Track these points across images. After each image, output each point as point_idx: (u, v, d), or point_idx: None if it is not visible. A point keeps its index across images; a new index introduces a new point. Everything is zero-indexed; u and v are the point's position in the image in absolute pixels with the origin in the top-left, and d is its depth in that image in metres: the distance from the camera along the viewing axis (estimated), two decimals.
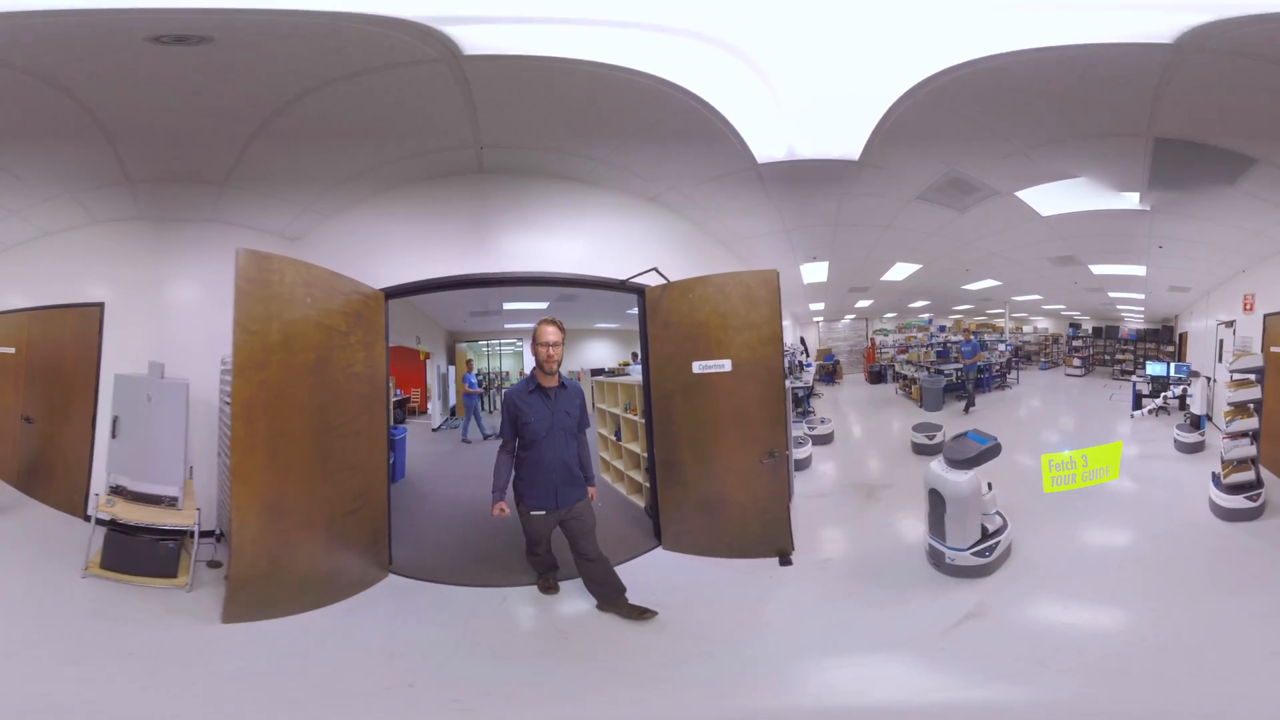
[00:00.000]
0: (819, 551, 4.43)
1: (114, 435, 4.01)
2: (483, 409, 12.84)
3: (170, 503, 3.93)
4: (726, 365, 4.29)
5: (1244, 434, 5.87)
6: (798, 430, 7.67)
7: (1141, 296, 10.31)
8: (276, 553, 3.38)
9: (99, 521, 4.06)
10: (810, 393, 10.77)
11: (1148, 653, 3.58)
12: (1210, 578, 4.64)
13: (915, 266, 9.39)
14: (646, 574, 4.10)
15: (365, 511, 3.99)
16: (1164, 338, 17.21)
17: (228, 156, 3.60)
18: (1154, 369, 9.91)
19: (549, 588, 4.00)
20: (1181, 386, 8.17)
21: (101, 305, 4.94)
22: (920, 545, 4.41)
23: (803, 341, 16.64)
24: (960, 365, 11.33)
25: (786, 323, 13.95)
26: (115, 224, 4.70)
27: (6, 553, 4.26)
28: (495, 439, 7.22)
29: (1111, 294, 10.12)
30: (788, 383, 9.71)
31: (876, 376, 14.73)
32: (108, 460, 4.15)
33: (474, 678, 2.99)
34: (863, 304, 15.05)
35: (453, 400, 12.65)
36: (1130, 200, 5.99)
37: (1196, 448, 7.58)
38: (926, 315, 13.25)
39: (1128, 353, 16.08)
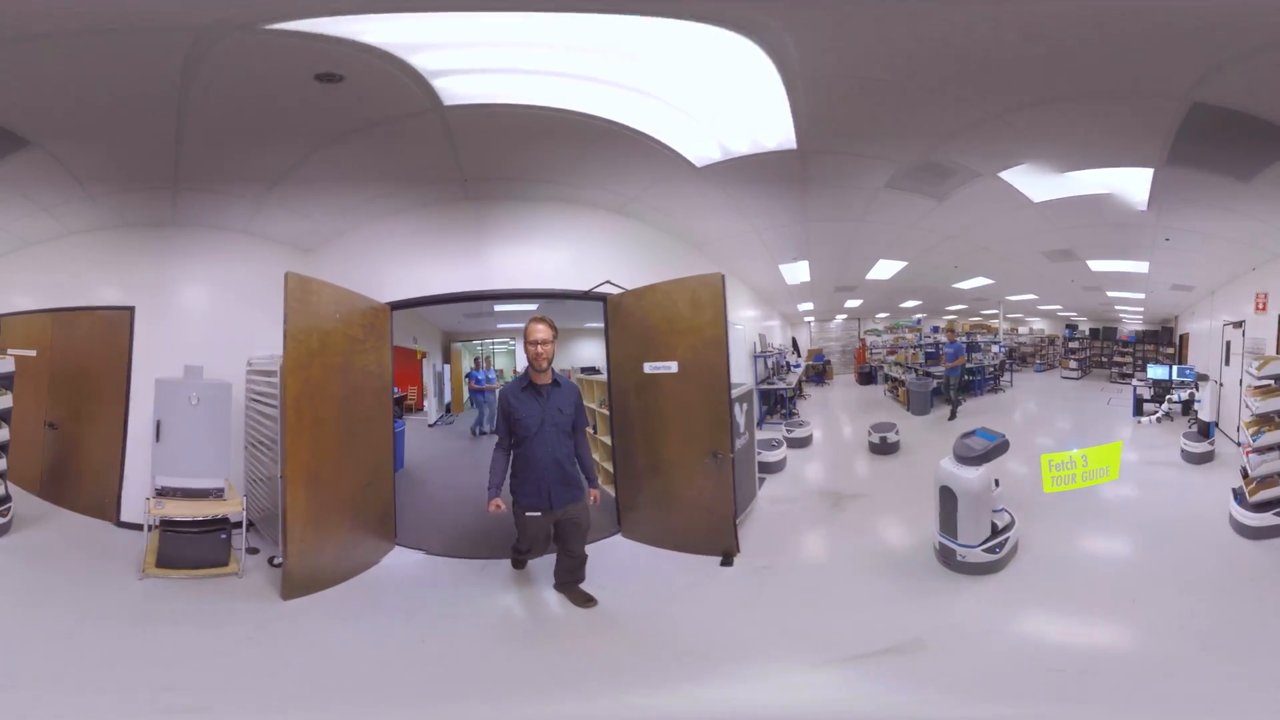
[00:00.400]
0: (762, 557, 4.29)
1: (157, 439, 4.09)
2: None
3: (217, 495, 4.16)
4: (673, 367, 4.31)
5: (1272, 448, 5.00)
6: (775, 433, 7.46)
7: (1142, 296, 9.54)
8: (318, 517, 3.86)
9: (151, 527, 4.21)
10: (795, 394, 10.28)
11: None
12: (1249, 603, 3.90)
13: (900, 264, 8.68)
14: (602, 556, 4.27)
15: (377, 487, 4.54)
16: (1164, 339, 16.41)
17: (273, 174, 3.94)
18: (1155, 372, 9.14)
19: (518, 564, 4.17)
20: (1188, 391, 7.41)
21: (132, 309, 4.85)
22: (874, 557, 4.28)
23: (794, 342, 16.17)
24: (964, 365, 10.62)
25: (775, 323, 13.04)
26: (145, 229, 4.71)
27: (52, 563, 4.17)
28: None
29: (1110, 293, 9.36)
30: (778, 382, 9.56)
31: (866, 378, 14.05)
32: (152, 464, 4.19)
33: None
34: (852, 303, 14.36)
35: (448, 397, 13.10)
36: (1140, 180, 5.15)
37: (1205, 458, 6.85)
38: (916, 316, 12.55)
39: (1126, 355, 15.31)
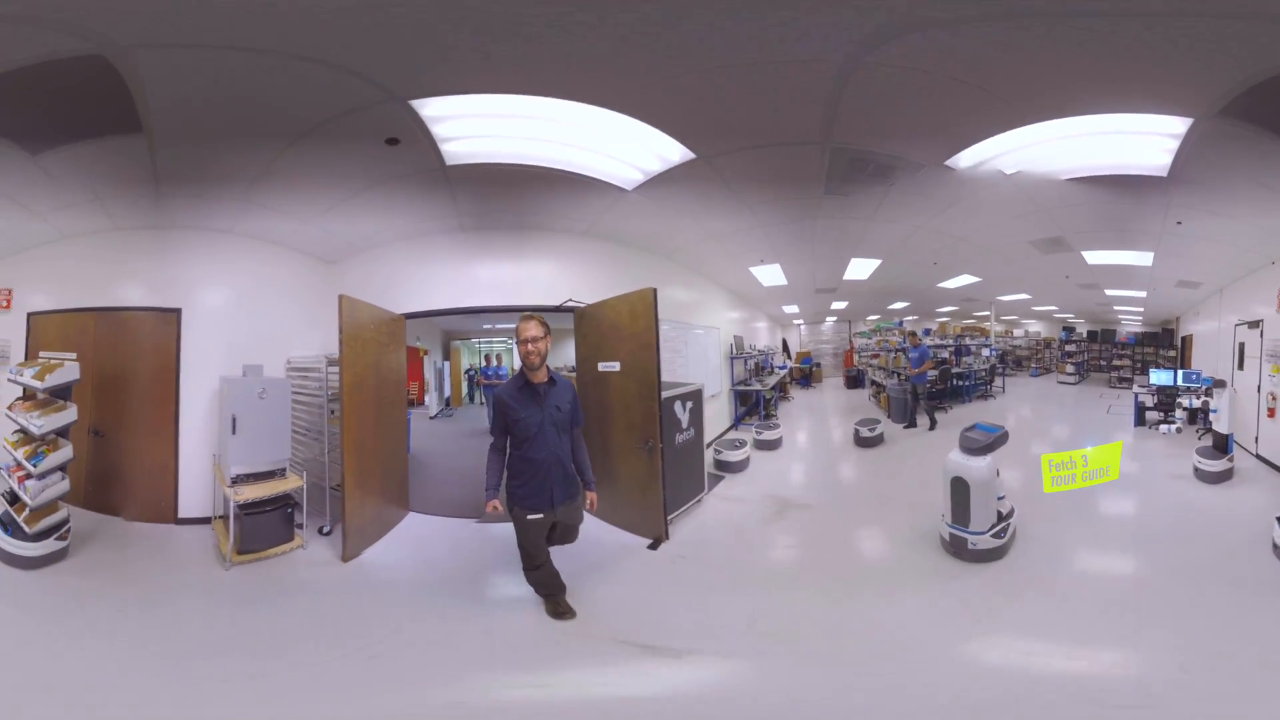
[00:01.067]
0: (687, 548, 4.31)
1: (234, 432, 4.26)
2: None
3: (281, 473, 4.50)
4: (617, 366, 4.63)
5: None
6: (746, 434, 7.26)
7: (1143, 294, 8.49)
8: (363, 481, 4.41)
9: (221, 517, 4.50)
10: (772, 395, 9.67)
11: None
12: None
13: (874, 262, 7.60)
14: None
15: (396, 460, 5.13)
16: (1164, 341, 15.26)
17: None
18: (1159, 378, 8.09)
19: (562, 612, 3.48)
20: (1200, 399, 6.34)
21: (179, 311, 4.78)
22: (783, 569, 4.11)
23: (784, 344, 15.30)
24: (930, 372, 9.59)
25: (762, 325, 12.56)
26: (194, 231, 4.75)
27: (132, 573, 3.99)
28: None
29: (1109, 291, 8.30)
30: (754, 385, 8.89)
31: (854, 381, 13.13)
32: (230, 455, 4.33)
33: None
34: (838, 305, 13.47)
35: (448, 392, 13.50)
36: (1156, 152, 3.98)
37: (1223, 476, 5.65)
38: (898, 319, 11.57)
39: (1125, 358, 14.17)
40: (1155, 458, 6.49)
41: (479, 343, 14.32)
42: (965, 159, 4.12)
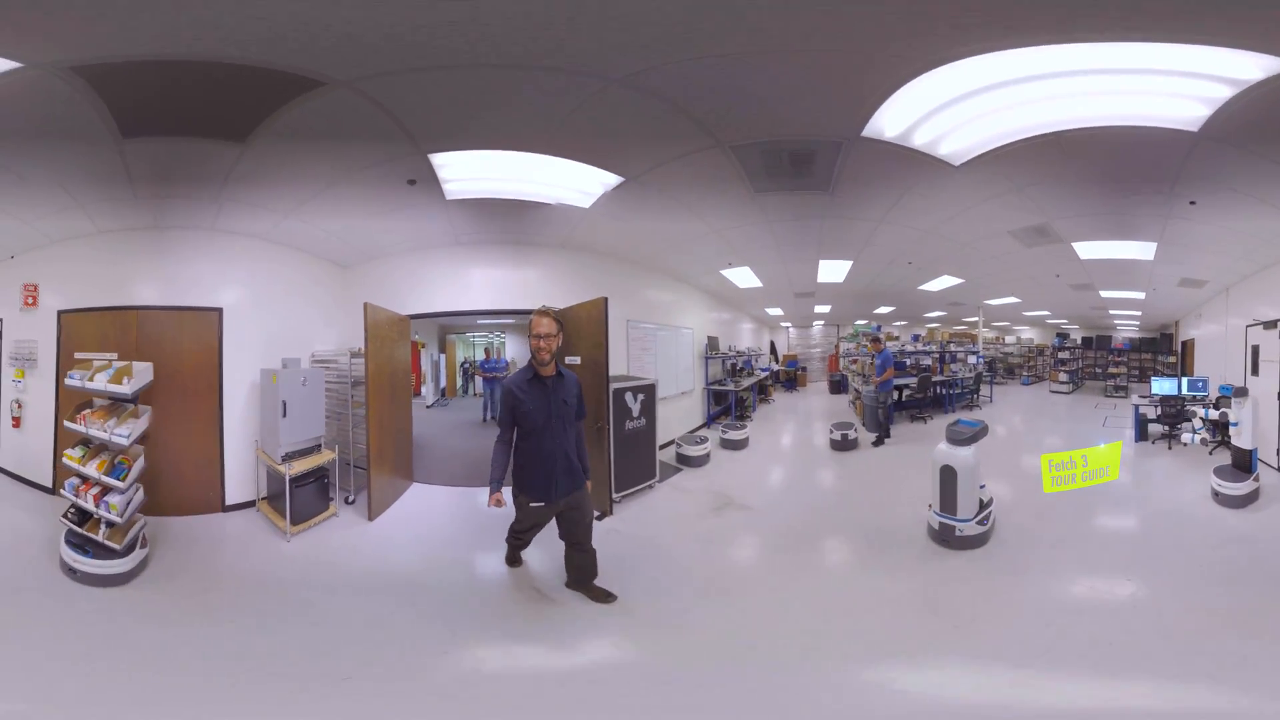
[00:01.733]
0: (622, 524, 4.52)
1: (284, 415, 4.52)
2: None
3: (318, 448, 4.82)
4: (578, 360, 4.97)
5: None
6: (714, 433, 7.14)
7: (1141, 296, 7.52)
8: (381, 453, 4.90)
9: (264, 498, 4.86)
10: (748, 397, 9.00)
11: None
12: None
13: (845, 264, 6.79)
14: None
15: (404, 438, 5.69)
16: (1162, 347, 14.21)
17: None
18: (1161, 386, 7.10)
19: (514, 562, 3.90)
20: (1219, 411, 5.21)
21: (220, 310, 4.82)
22: (693, 564, 3.96)
23: (772, 346, 14.44)
24: (915, 378, 8.62)
25: (748, 326, 11.80)
26: (233, 235, 4.81)
27: (222, 564, 3.99)
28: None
29: (1104, 292, 7.33)
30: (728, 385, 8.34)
31: (837, 386, 12.23)
32: (281, 435, 4.53)
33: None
34: (822, 309, 12.59)
35: (443, 382, 13.67)
36: (1188, 102, 2.87)
37: (1249, 499, 4.46)
38: (875, 323, 10.67)
39: (1122, 365, 13.08)
40: (1164, 478, 5.44)
41: (473, 337, 14.53)
42: (889, 124, 3.25)
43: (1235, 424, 4.68)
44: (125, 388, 3.69)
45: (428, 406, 12.14)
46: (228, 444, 4.79)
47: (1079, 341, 13.54)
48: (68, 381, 3.87)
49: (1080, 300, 7.99)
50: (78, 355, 4.10)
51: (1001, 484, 4.47)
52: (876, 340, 7.17)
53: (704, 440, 6.20)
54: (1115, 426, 7.36)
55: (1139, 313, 8.99)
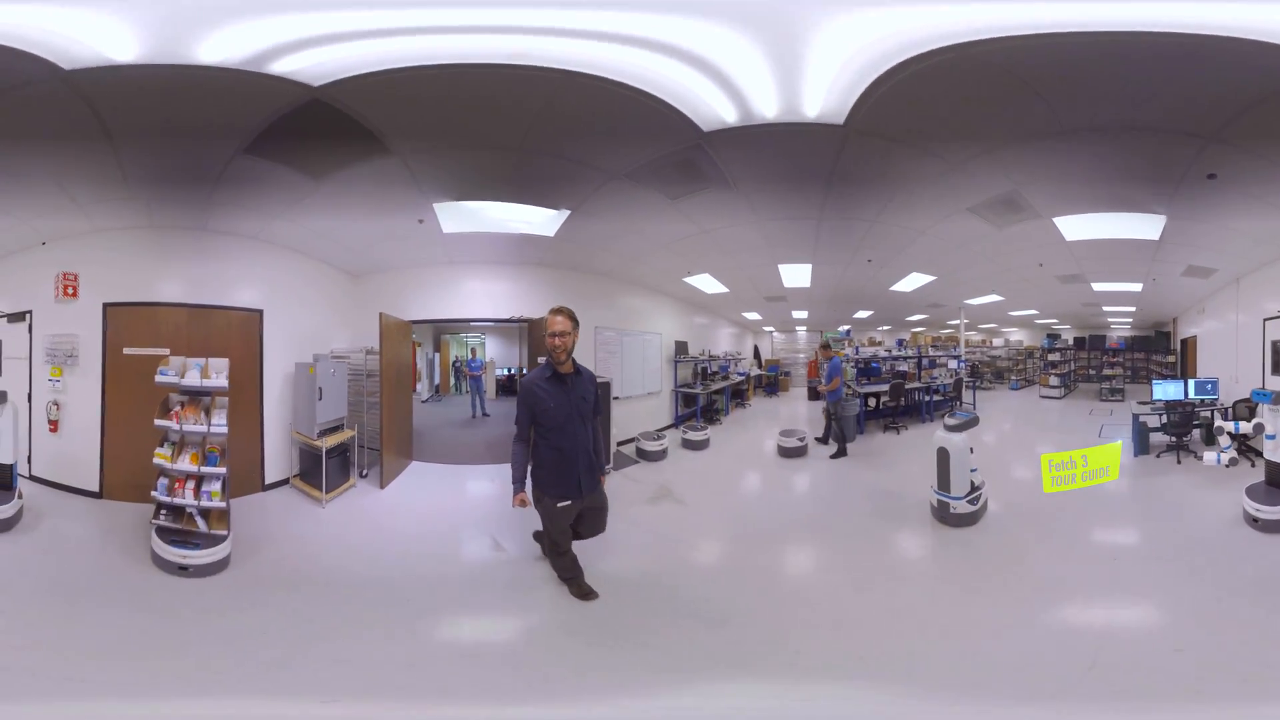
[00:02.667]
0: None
1: (320, 399, 4.92)
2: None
3: (341, 426, 5.26)
4: (542, 360, 4.73)
5: None
6: (680, 433, 7.13)
7: (1138, 288, 6.40)
8: (389, 433, 5.36)
9: (297, 475, 5.19)
10: (715, 400, 8.74)
11: None
12: None
13: (804, 266, 6.13)
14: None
15: (406, 423, 6.14)
16: (1159, 345, 12.89)
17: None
18: (1164, 390, 5.97)
19: (585, 593, 3.30)
20: (1253, 422, 3.85)
21: (261, 312, 4.97)
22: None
23: (756, 351, 13.54)
24: (888, 383, 7.53)
25: (731, 330, 11.13)
26: (269, 244, 4.95)
27: (288, 534, 4.20)
28: (485, 417, 8.72)
29: (1096, 285, 6.21)
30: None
31: (815, 392, 11.34)
32: (317, 415, 4.88)
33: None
34: (799, 314, 11.63)
35: (437, 379, 13.59)
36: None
37: None
38: (844, 327, 9.59)
39: (1117, 366, 11.83)
40: (1179, 500, 4.33)
41: (467, 337, 14.32)
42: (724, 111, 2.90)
43: (1273, 436, 3.54)
44: (217, 381, 3.80)
45: (423, 402, 12.08)
46: (266, 429, 5.04)
47: (1071, 342, 12.29)
48: (159, 378, 3.79)
49: (1070, 296, 6.87)
50: (127, 351, 4.19)
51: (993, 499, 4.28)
52: (826, 347, 6.79)
53: (662, 438, 6.35)
54: (1112, 437, 6.19)
55: (1133, 308, 7.83)
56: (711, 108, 2.80)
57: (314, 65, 2.57)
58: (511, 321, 6.27)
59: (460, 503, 4.95)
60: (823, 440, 6.38)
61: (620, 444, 6.01)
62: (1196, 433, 4.96)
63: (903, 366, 8.24)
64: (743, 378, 10.75)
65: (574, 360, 3.22)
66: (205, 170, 3.68)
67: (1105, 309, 7.60)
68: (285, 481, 5.17)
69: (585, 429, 3.25)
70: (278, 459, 5.17)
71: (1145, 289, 6.09)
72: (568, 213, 4.40)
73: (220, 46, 2.47)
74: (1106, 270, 5.36)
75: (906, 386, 7.47)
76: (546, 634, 2.99)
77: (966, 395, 8.60)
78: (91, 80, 2.55)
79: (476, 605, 3.33)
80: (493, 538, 4.02)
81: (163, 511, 3.56)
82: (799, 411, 9.50)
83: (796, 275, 6.61)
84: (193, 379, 3.74)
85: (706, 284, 7.42)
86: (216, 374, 3.82)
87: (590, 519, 3.33)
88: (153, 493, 3.60)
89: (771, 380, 12.53)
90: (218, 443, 3.79)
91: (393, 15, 2.41)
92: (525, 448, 3.21)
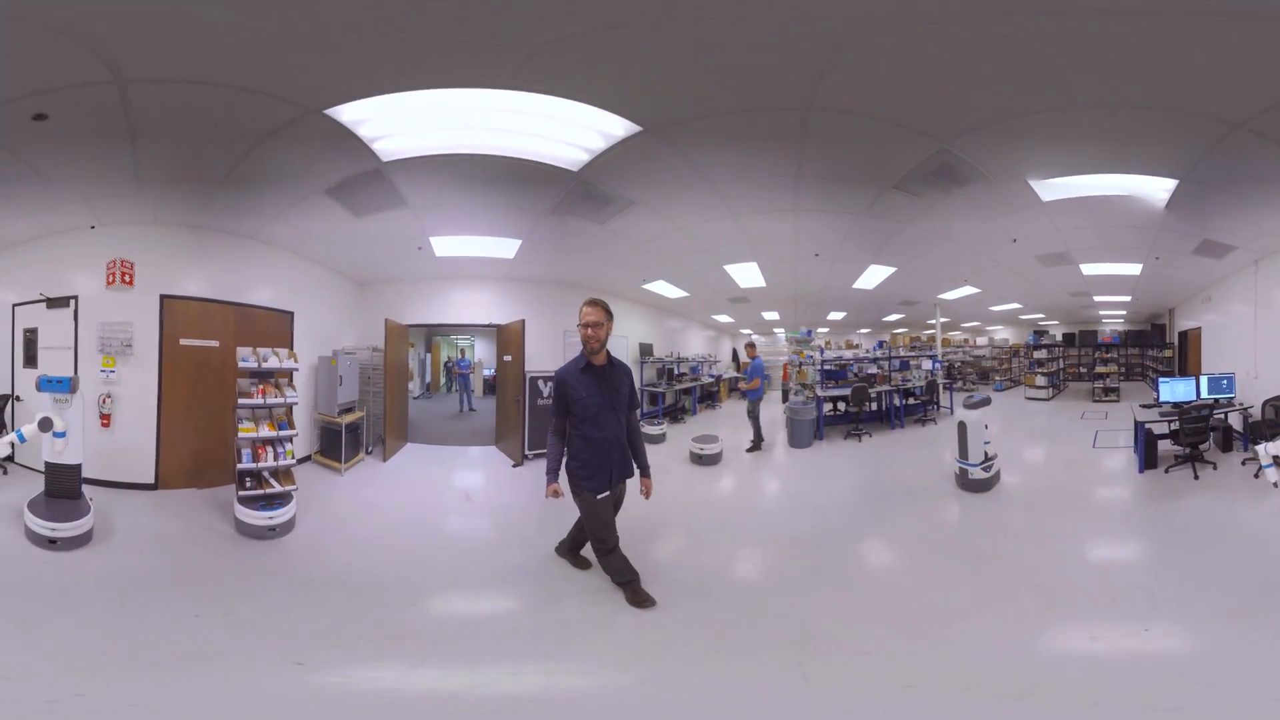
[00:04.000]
0: (531, 469, 5.22)
1: (341, 384, 5.44)
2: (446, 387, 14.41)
3: (352, 408, 5.70)
4: (509, 358, 6.06)
5: None
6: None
7: (1136, 270, 5.16)
8: (392, 415, 6.01)
9: (317, 453, 5.53)
10: (680, 399, 8.30)
11: None
12: None
13: (748, 265, 5.51)
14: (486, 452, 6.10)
15: (404, 409, 6.63)
16: (1153, 340, 11.43)
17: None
18: (1171, 390, 4.73)
19: (642, 600, 2.84)
20: None
21: (291, 314, 5.22)
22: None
23: (734, 354, 12.51)
24: (851, 387, 6.32)
25: (709, 334, 10.88)
26: (295, 254, 5.17)
27: (324, 494, 4.43)
28: (471, 412, 9.85)
29: (1085, 268, 4.95)
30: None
31: (787, 394, 10.25)
32: (338, 398, 5.36)
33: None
34: (770, 315, 10.48)
35: (429, 378, 14.14)
36: None
37: None
38: (803, 326, 8.41)
39: (1111, 363, 10.38)
40: (1218, 529, 3.08)
41: (457, 338, 14.93)
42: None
43: None
44: (287, 363, 4.21)
45: (414, 398, 12.16)
46: (295, 413, 5.05)
47: (1059, 339, 10.88)
48: (242, 363, 3.96)
49: (1054, 283, 5.63)
50: (183, 341, 4.30)
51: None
52: (751, 346, 6.57)
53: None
54: (1109, 445, 4.93)
55: (1128, 298, 6.56)
56: (578, 153, 3.26)
57: (384, 145, 3.06)
58: (485, 325, 7.00)
59: (445, 471, 5.46)
60: (756, 442, 5.89)
61: None
62: (1211, 438, 3.74)
63: (872, 369, 7.02)
64: (713, 379, 10.03)
65: (608, 352, 3.02)
66: (289, 200, 3.91)
67: (1097, 299, 6.34)
68: (309, 458, 5.43)
69: (618, 420, 3.03)
70: (303, 438, 5.38)
71: (1143, 274, 4.85)
72: (519, 241, 4.88)
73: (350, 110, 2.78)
74: (1098, 246, 4.13)
75: (874, 390, 6.26)
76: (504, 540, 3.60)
77: (943, 398, 7.34)
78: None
79: (457, 537, 3.84)
80: (465, 493, 4.89)
81: (248, 479, 3.77)
82: (774, 415, 8.49)
83: (747, 275, 5.92)
84: (273, 363, 4.14)
85: (666, 289, 7.06)
86: (284, 360, 4.21)
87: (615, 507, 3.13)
88: (238, 465, 3.77)
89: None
90: (286, 413, 4.18)
91: (452, 125, 2.98)
92: (560, 440, 3.04)
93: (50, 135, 2.72)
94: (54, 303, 4.20)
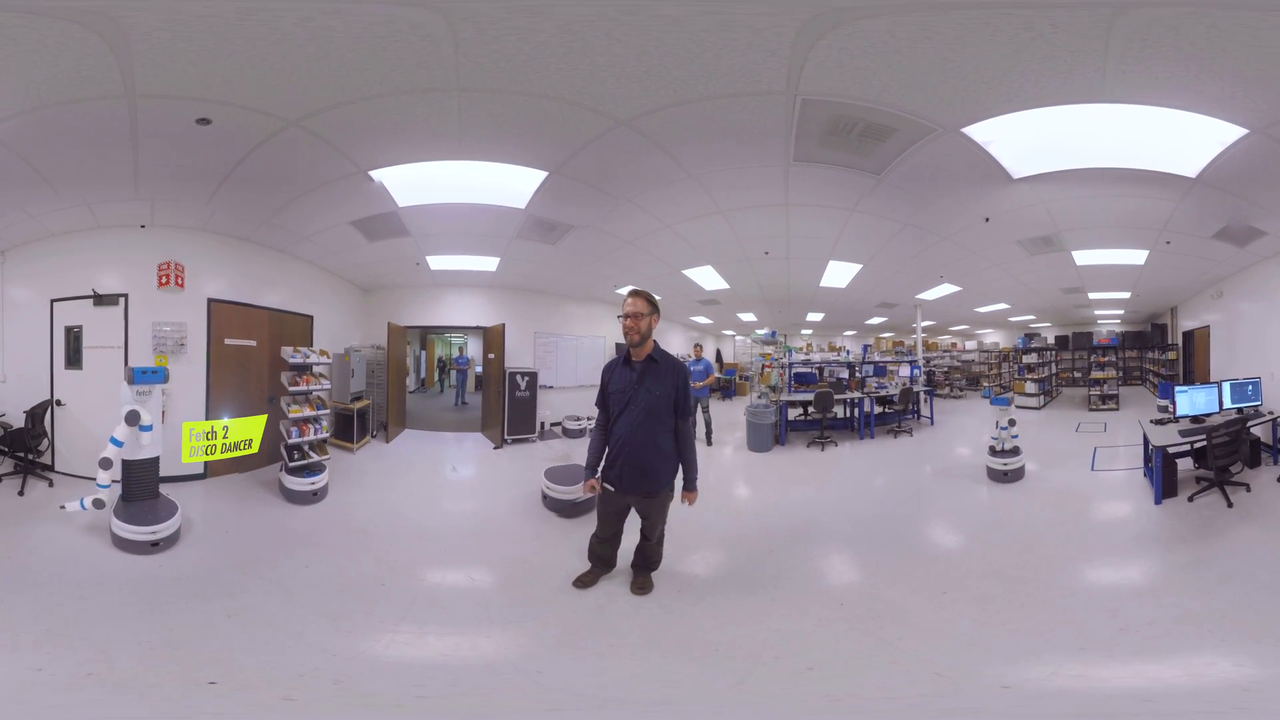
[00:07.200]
0: (510, 452, 5.75)
1: (352, 376, 5.85)
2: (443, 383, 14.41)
3: (360, 396, 6.02)
4: (492, 356, 6.51)
5: None
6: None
7: (1140, 260, 4.17)
8: (394, 404, 6.37)
9: (331, 437, 5.28)
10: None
11: None
12: None
13: (704, 268, 5.15)
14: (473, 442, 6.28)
15: (403, 400, 6.90)
16: (1153, 340, 10.21)
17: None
18: (1188, 402, 3.75)
19: (586, 582, 2.71)
20: None
21: (311, 317, 5.43)
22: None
23: (718, 354, 11.73)
24: (816, 391, 5.36)
25: (692, 335, 10.21)
26: (311, 265, 5.28)
27: (348, 470, 4.67)
28: (464, 405, 10.29)
29: (1079, 255, 3.95)
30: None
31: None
32: (351, 388, 5.80)
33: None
34: (747, 317, 9.55)
35: (424, 374, 14.04)
36: None
37: None
38: (769, 329, 7.51)
39: (1109, 366, 9.22)
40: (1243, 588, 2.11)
41: (451, 337, 15.02)
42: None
43: None
44: (325, 360, 4.68)
45: (410, 392, 12.26)
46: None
47: (1052, 342, 9.78)
48: (292, 360, 4.33)
49: (1046, 277, 4.65)
50: (228, 341, 4.45)
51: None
52: (699, 346, 6.38)
53: (584, 420, 6.67)
54: (1109, 467, 3.91)
55: (1126, 294, 5.54)
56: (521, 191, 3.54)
57: (400, 194, 3.58)
58: (474, 328, 7.36)
59: (437, 450, 5.75)
60: (707, 439, 5.59)
61: (552, 424, 6.75)
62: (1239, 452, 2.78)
63: (843, 373, 6.08)
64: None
65: (656, 346, 2.65)
66: (322, 226, 4.14)
67: (1092, 296, 5.33)
68: (325, 439, 5.50)
69: (648, 422, 2.63)
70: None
71: (1147, 263, 3.87)
72: (498, 258, 5.24)
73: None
74: (1093, 226, 3.17)
75: (840, 396, 5.32)
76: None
77: (925, 407, 6.34)
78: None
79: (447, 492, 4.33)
80: (452, 465, 5.18)
81: (295, 453, 4.07)
82: (731, 415, 7.65)
83: (707, 278, 5.50)
84: (313, 359, 4.62)
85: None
86: (321, 356, 4.71)
87: (645, 527, 2.72)
88: (286, 441, 4.07)
89: (728, 384, 10.82)
90: (323, 395, 4.61)
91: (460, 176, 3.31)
92: (602, 433, 2.76)
93: (192, 139, 2.61)
94: (102, 300, 3.97)
